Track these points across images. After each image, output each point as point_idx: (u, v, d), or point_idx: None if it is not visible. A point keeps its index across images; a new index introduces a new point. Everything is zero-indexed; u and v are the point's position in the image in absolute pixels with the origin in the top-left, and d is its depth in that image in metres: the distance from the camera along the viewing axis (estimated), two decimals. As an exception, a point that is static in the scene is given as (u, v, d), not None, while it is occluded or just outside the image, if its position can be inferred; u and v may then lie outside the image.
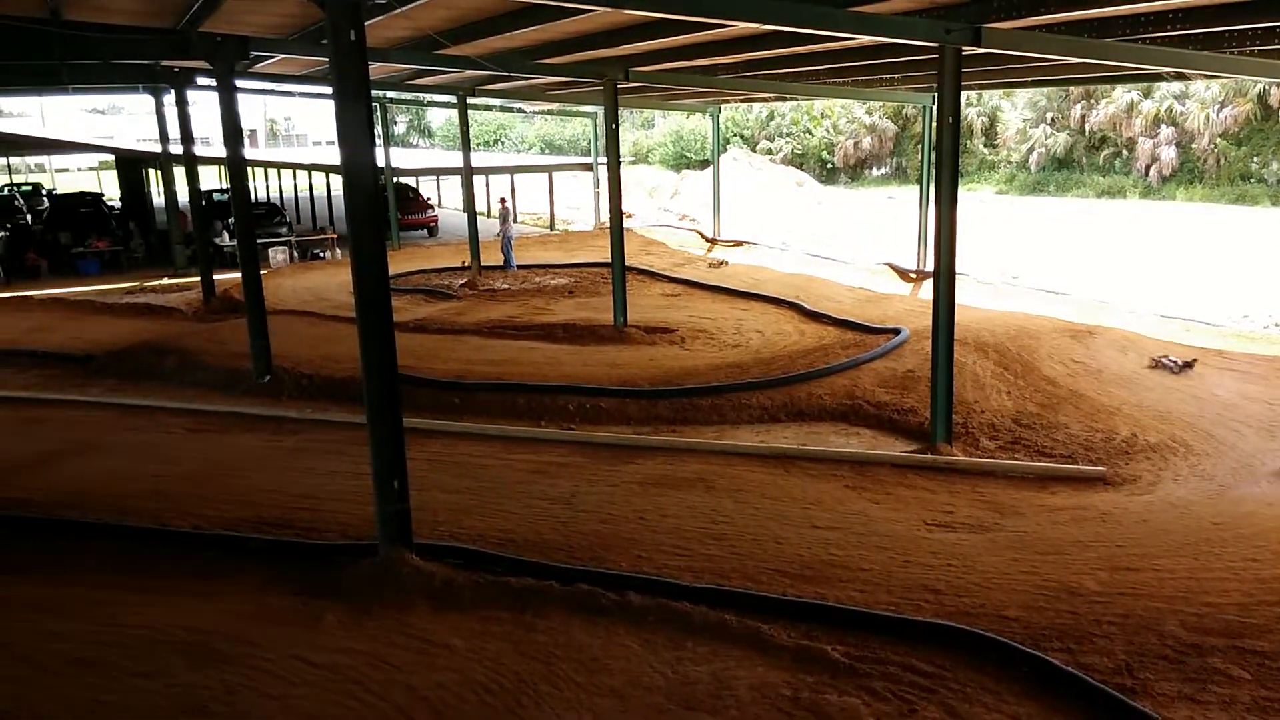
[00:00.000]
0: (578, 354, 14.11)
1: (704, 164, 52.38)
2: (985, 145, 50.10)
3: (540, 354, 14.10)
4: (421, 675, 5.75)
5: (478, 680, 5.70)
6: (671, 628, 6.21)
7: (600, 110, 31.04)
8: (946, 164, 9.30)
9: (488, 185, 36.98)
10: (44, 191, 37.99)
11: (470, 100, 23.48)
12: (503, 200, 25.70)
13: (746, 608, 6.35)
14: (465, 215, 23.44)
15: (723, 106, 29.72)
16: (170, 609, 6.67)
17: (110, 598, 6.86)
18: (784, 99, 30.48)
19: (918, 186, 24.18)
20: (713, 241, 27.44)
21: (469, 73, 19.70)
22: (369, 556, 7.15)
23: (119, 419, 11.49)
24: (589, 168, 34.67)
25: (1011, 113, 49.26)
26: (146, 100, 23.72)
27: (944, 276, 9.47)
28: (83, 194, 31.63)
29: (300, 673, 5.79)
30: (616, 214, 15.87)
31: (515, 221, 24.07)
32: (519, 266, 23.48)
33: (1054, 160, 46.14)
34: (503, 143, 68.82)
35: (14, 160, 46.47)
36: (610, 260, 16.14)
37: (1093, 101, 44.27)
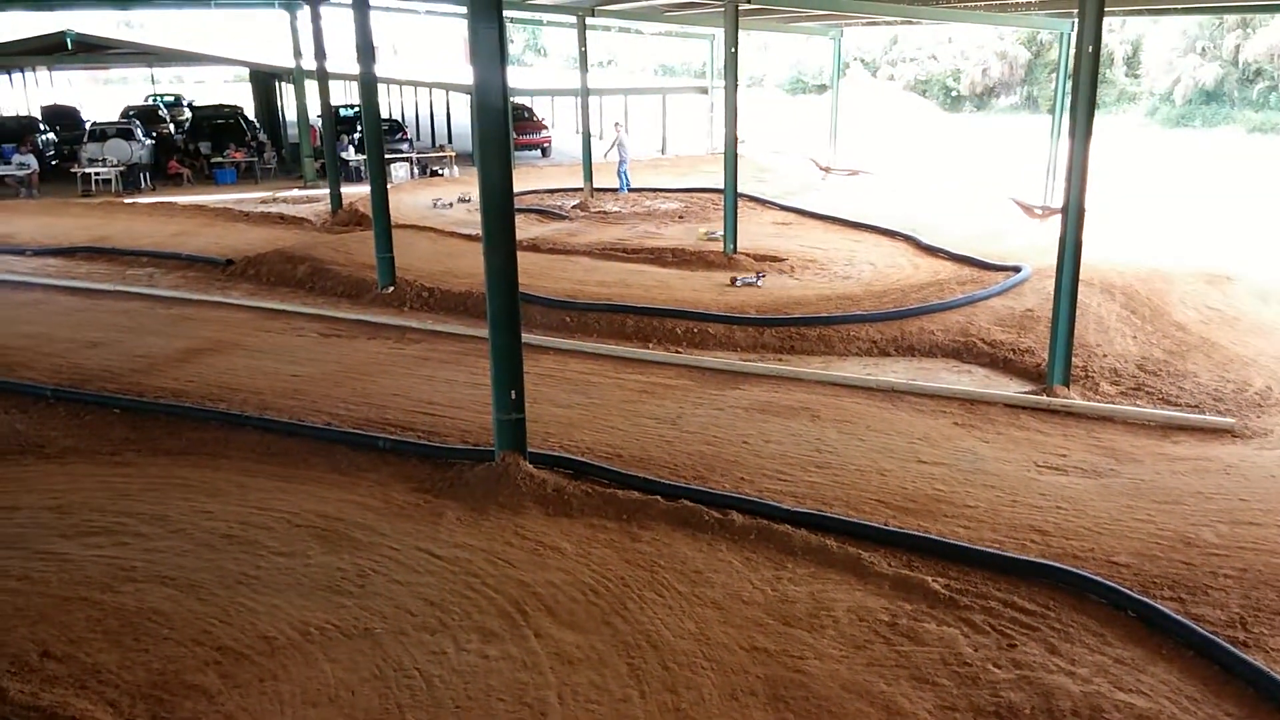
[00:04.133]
0: (687, 279, 14.23)
1: (821, 89, 51.03)
2: (1127, 75, 47.36)
3: (650, 277, 14.27)
4: (534, 573, 6.13)
5: (585, 582, 6.04)
6: (772, 548, 6.42)
7: (717, 32, 30.52)
8: (1083, 94, 8.94)
9: (601, 107, 36.92)
10: (186, 103, 39.58)
11: (589, 20, 23.39)
12: (617, 124, 25.72)
13: (847, 534, 6.52)
14: (580, 137, 23.54)
15: (845, 29, 28.82)
16: (307, 496, 7.22)
17: (255, 483, 7.46)
18: (911, 22, 29.33)
19: (1049, 117, 23.16)
20: (827, 170, 26.94)
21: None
22: (486, 461, 7.56)
23: (257, 321, 12.20)
24: (704, 91, 34.25)
25: (1157, 40, 46.31)
26: (276, 16, 24.40)
27: (1073, 212, 9.20)
28: (222, 106, 32.85)
29: (425, 563, 6.24)
30: (731, 139, 15.75)
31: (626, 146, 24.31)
32: (631, 190, 23.58)
33: (1202, 93, 43.33)
34: (615, 64, 68.26)
35: (156, 71, 48.43)
36: (722, 186, 16.10)
37: (1249, 30, 41.25)
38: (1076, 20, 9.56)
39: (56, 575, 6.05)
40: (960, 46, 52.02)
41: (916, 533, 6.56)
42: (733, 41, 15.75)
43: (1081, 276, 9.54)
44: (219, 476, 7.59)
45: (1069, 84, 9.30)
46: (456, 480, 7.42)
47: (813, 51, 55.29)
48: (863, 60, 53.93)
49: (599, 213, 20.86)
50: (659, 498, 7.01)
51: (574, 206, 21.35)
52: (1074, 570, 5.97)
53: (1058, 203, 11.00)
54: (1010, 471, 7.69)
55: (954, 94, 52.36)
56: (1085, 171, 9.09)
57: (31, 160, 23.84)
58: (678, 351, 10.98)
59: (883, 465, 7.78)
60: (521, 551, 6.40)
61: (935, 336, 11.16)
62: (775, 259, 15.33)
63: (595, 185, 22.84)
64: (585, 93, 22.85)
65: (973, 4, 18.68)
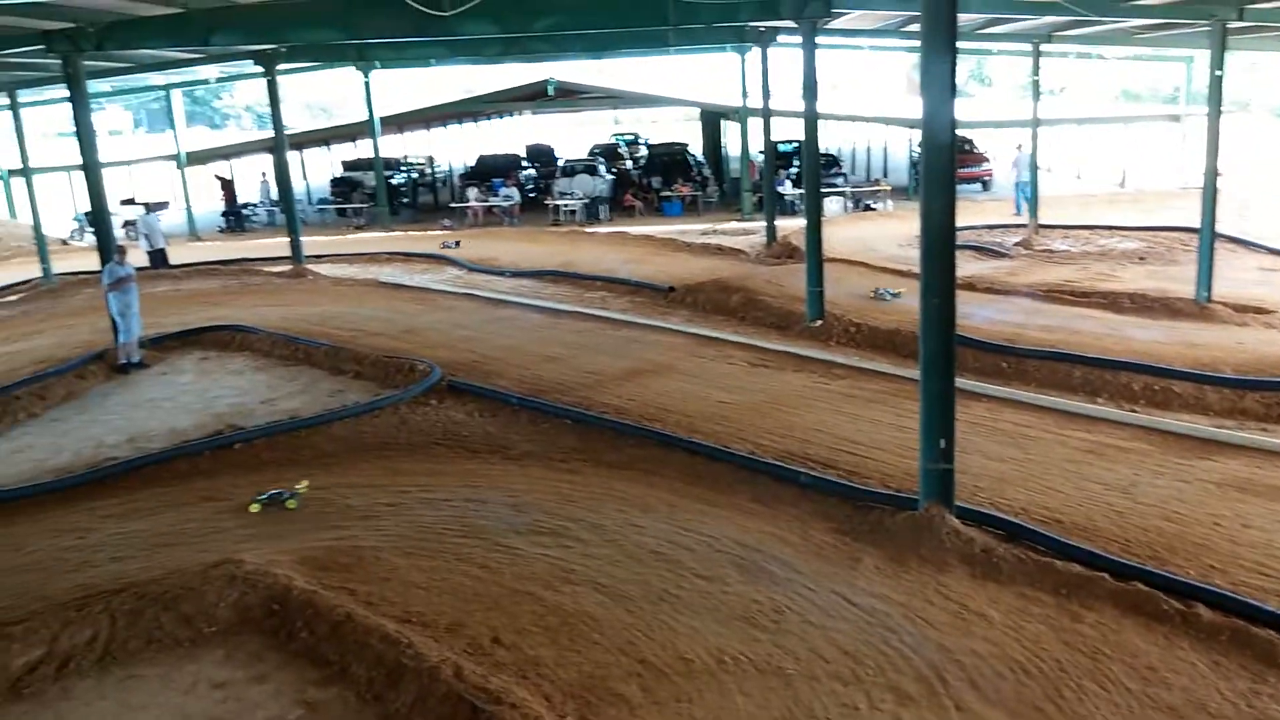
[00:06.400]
0: (1146, 328, 12.72)
1: (1332, 113, 43.32)
2: None
3: (1100, 324, 12.95)
4: (956, 639, 5.73)
5: (1015, 658, 5.53)
6: (1249, 655, 5.47)
7: (1196, 54, 27.09)
8: None
9: (1046, 139, 34.41)
10: (642, 141, 43.41)
11: (1044, 47, 21.92)
12: (1020, 146, 24.11)
13: (1358, 654, 5.32)
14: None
15: (1372, 41, 24.14)
16: (728, 523, 7.41)
17: (682, 504, 7.81)
18: None
19: None
20: (1336, 208, 22.72)
21: (1047, 19, 18.36)
22: (908, 509, 7.25)
23: (692, 346, 12.86)
24: (1175, 118, 30.67)
25: None
26: (724, 58, 25.87)
27: None
28: (673, 144, 35.54)
29: (840, 608, 6.09)
30: (1210, 172, 13.86)
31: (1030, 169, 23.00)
32: (1045, 225, 21.89)
33: None
34: (1065, 91, 63.38)
35: (619, 112, 53.69)
36: (1198, 225, 14.18)
37: None
38: None
39: (509, 568, 6.76)
40: None
41: None
42: (1218, 64, 13.87)
43: None
44: (651, 494, 8.05)
45: None
46: (877, 526, 7.20)
47: (1320, 68, 47.09)
48: (1390, 76, 44.91)
49: (1044, 251, 19.42)
50: (1106, 575, 6.25)
51: (1016, 244, 20.07)
52: None
53: None
54: None
55: None
56: None
57: (515, 193, 27.50)
58: (1133, 410, 9.78)
59: None
60: (943, 613, 6.01)
61: None
62: (1260, 310, 13.20)
63: (1041, 221, 21.33)
64: (1036, 123, 21.46)
65: None
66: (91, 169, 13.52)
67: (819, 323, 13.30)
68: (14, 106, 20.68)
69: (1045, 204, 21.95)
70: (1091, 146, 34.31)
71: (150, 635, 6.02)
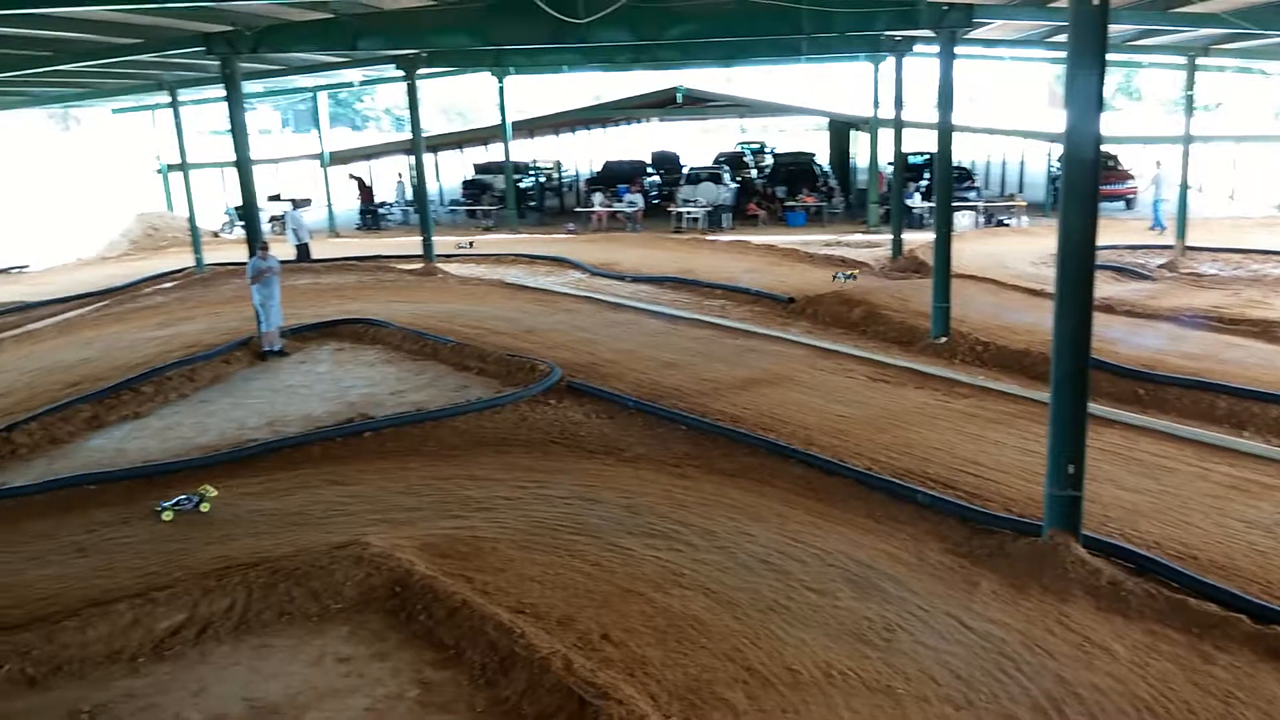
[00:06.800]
0: (1304, 360, 11.95)
1: None
2: None
3: (1249, 353, 12.22)
4: (1076, 671, 5.53)
5: (1139, 695, 5.31)
6: (1405, 714, 5.06)
7: (1377, 67, 25.26)
8: None
9: (1195, 157, 32.62)
10: (769, 150, 43.17)
11: (1199, 61, 20.83)
12: (1159, 162, 23.07)
13: None
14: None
15: None
16: (841, 538, 7.33)
17: (794, 515, 7.77)
18: None
19: None
20: None
21: (1205, 31, 17.46)
22: (1030, 536, 7.04)
23: (811, 358, 12.71)
24: (1347, 137, 28.67)
25: None
26: (855, 67, 25.52)
27: None
28: (800, 153, 35.22)
29: (954, 631, 5.96)
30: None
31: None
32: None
33: None
34: (1221, 107, 59.93)
35: (745, 121, 53.60)
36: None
37: None
38: None
39: (621, 567, 6.85)
40: None
41: None
42: (1399, 78, 12.94)
43: None
44: (762, 503, 8.03)
45: None
46: (996, 550, 7.01)
47: None
48: None
49: (1190, 274, 18.42)
50: (1245, 617, 5.93)
51: (1160, 266, 19.12)
52: None
53: None
54: None
55: None
56: None
57: (639, 199, 27.72)
58: (1283, 446, 9.22)
59: None
60: (1064, 644, 5.81)
61: None
62: None
63: (1187, 242, 20.26)
64: (1188, 140, 20.41)
65: None
66: (243, 165, 14.27)
67: (944, 340, 12.97)
68: (174, 104, 22.02)
69: (1194, 225, 20.81)
70: (1248, 166, 32.42)
71: (282, 608, 6.36)
